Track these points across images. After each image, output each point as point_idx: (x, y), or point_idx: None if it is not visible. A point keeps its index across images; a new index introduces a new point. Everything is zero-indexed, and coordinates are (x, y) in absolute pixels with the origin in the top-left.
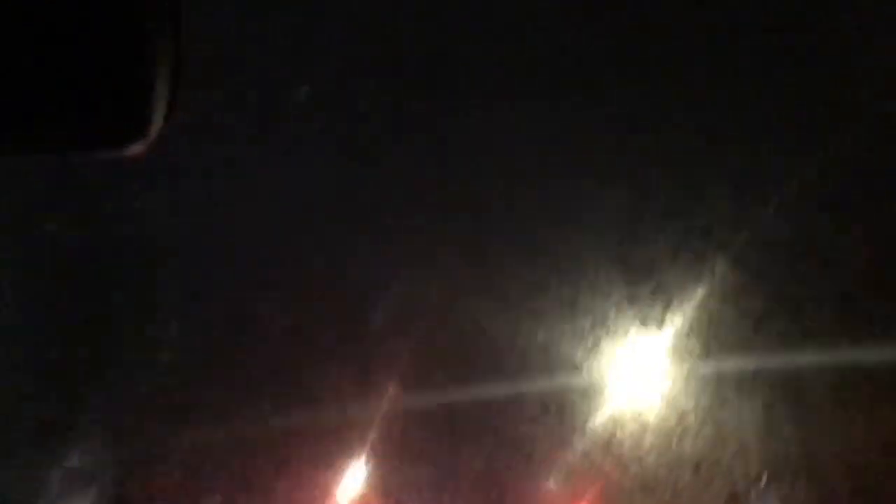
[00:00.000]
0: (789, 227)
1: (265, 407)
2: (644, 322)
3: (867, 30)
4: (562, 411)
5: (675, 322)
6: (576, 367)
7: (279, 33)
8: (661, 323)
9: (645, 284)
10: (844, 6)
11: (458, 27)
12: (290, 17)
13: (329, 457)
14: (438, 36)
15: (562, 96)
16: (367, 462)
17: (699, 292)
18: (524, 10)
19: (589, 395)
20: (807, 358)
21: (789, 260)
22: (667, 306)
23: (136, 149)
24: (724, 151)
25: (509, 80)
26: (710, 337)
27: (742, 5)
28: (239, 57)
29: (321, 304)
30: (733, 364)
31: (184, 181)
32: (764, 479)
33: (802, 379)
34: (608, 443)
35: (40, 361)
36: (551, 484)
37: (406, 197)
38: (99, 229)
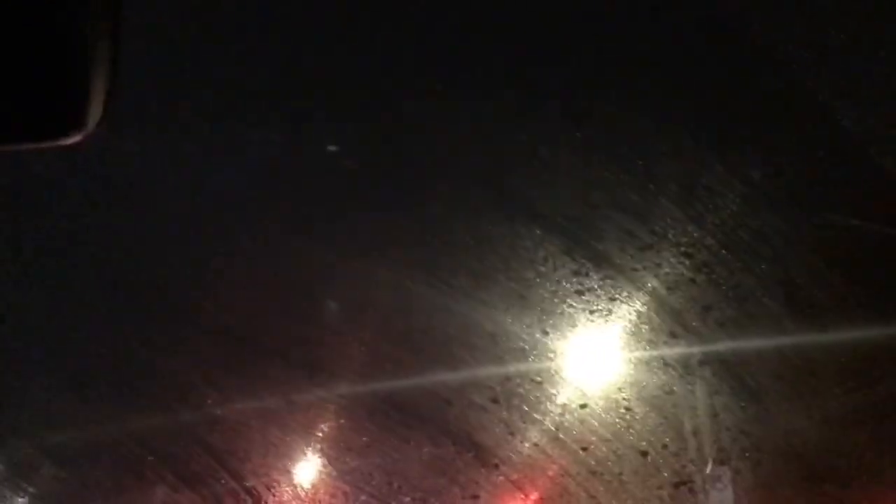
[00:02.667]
0: (736, 220)
1: (212, 399)
2: (592, 312)
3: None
4: (510, 400)
5: (623, 312)
6: (524, 357)
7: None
8: (609, 313)
9: (593, 276)
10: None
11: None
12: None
13: (278, 447)
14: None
15: (514, 94)
16: (317, 452)
17: (646, 283)
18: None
19: (537, 384)
20: (751, 346)
21: (735, 251)
22: (614, 297)
23: (73, 140)
24: (675, 147)
25: (461, 75)
26: (657, 326)
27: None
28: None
29: (269, 298)
30: (680, 352)
31: (125, 174)
32: (710, 464)
33: (747, 366)
34: (557, 430)
35: None
36: (501, 472)
37: (354, 190)
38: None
